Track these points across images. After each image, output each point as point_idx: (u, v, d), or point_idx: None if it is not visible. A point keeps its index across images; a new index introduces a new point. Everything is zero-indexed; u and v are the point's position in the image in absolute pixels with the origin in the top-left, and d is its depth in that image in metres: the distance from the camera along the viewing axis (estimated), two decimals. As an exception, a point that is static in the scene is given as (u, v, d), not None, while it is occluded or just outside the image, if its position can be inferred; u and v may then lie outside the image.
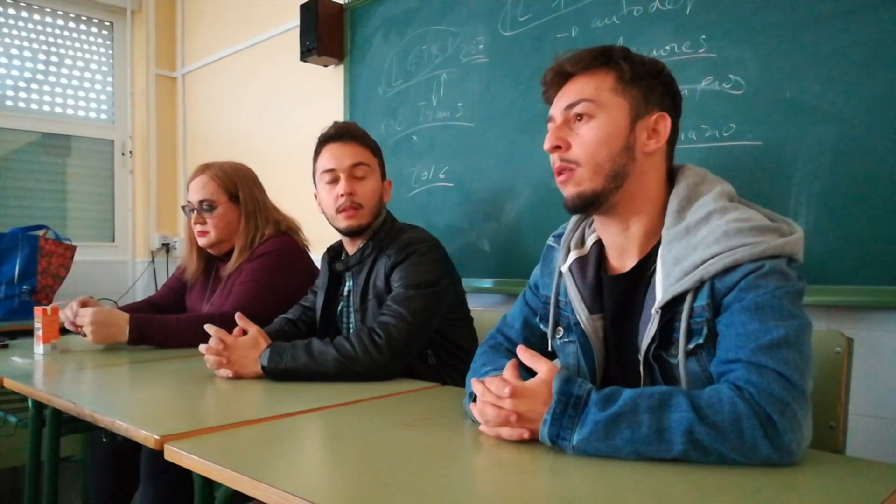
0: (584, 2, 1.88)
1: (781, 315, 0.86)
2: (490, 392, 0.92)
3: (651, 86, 1.04)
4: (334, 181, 1.59)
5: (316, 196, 1.67)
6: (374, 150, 1.66)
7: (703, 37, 1.62)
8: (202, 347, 1.43)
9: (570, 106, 1.04)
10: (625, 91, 1.02)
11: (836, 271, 1.42)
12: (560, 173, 1.05)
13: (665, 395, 0.83)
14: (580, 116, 1.03)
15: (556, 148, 1.04)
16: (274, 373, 1.36)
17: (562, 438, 0.84)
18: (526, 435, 0.89)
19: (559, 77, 1.08)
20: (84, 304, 1.82)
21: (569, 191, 1.04)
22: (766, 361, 0.83)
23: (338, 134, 1.61)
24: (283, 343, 1.40)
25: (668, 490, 0.73)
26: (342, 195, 1.57)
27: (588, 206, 1.04)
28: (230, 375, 1.39)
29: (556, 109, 1.06)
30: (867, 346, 1.41)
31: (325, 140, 1.63)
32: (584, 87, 1.04)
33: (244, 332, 1.45)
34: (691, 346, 0.94)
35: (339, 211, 1.58)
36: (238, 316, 1.45)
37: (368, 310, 1.59)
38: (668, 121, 1.04)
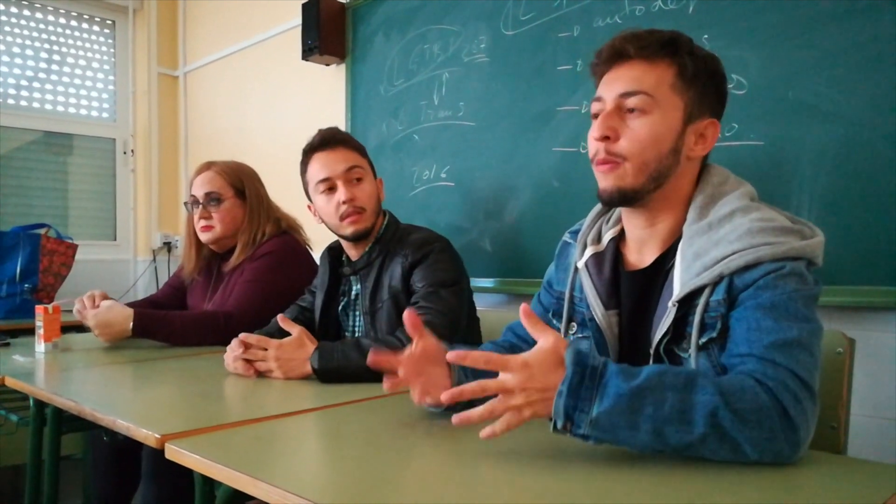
0: (586, 1, 1.88)
1: (795, 317, 0.86)
2: (491, 385, 0.82)
3: (707, 87, 1.01)
4: (331, 189, 1.57)
5: (310, 207, 1.65)
6: (362, 151, 1.64)
7: (706, 36, 1.62)
8: (233, 353, 1.40)
9: (626, 95, 0.99)
10: (683, 90, 0.99)
11: (838, 272, 1.41)
12: (603, 163, 1.01)
13: (691, 375, 0.80)
14: (633, 109, 0.99)
15: (605, 138, 0.99)
16: (325, 373, 1.33)
17: (579, 411, 0.78)
18: (528, 415, 0.81)
19: (617, 57, 1.01)
20: (103, 299, 1.86)
21: (609, 183, 1.00)
22: (780, 359, 0.83)
23: (324, 141, 1.59)
24: (330, 343, 1.38)
25: (669, 490, 0.73)
26: (343, 202, 1.54)
27: (624, 202, 1.02)
28: (280, 377, 1.36)
29: (609, 93, 1.01)
30: (869, 346, 1.40)
31: (311, 150, 1.61)
32: (643, 76, 0.98)
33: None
34: (704, 339, 0.93)
35: (342, 218, 1.56)
36: (280, 318, 1.42)
37: (382, 311, 1.57)
38: (718, 128, 1.02)
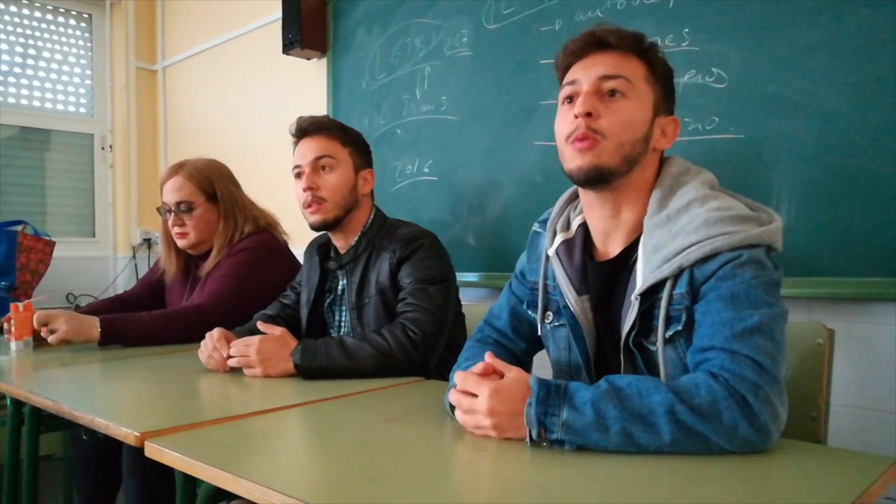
0: (567, -5, 1.88)
1: (756, 304, 0.88)
2: (466, 398, 0.91)
3: (668, 88, 1.06)
4: (300, 177, 1.58)
5: None
6: (345, 140, 1.60)
7: (686, 30, 1.63)
8: (208, 348, 1.41)
9: (607, 77, 1.00)
10: (652, 84, 1.03)
11: (817, 263, 1.43)
12: (582, 139, 1.00)
13: (642, 381, 0.84)
14: (613, 92, 1.00)
15: (587, 115, 0.99)
16: (308, 370, 1.33)
17: (550, 415, 0.83)
18: (493, 436, 0.88)
19: (597, 46, 1.03)
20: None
21: (587, 160, 0.99)
22: (740, 348, 0.85)
23: (300, 129, 1.60)
24: (313, 341, 1.38)
25: (652, 482, 0.74)
26: (304, 190, 1.55)
27: (598, 181, 1.01)
28: (258, 375, 1.35)
29: (587, 75, 1.02)
30: (848, 337, 1.42)
31: (295, 136, 1.62)
32: (621, 64, 1.01)
33: None
34: (670, 332, 0.95)
35: (304, 207, 1.57)
36: (260, 324, 1.43)
37: (369, 306, 1.56)
38: (678, 126, 1.06)
